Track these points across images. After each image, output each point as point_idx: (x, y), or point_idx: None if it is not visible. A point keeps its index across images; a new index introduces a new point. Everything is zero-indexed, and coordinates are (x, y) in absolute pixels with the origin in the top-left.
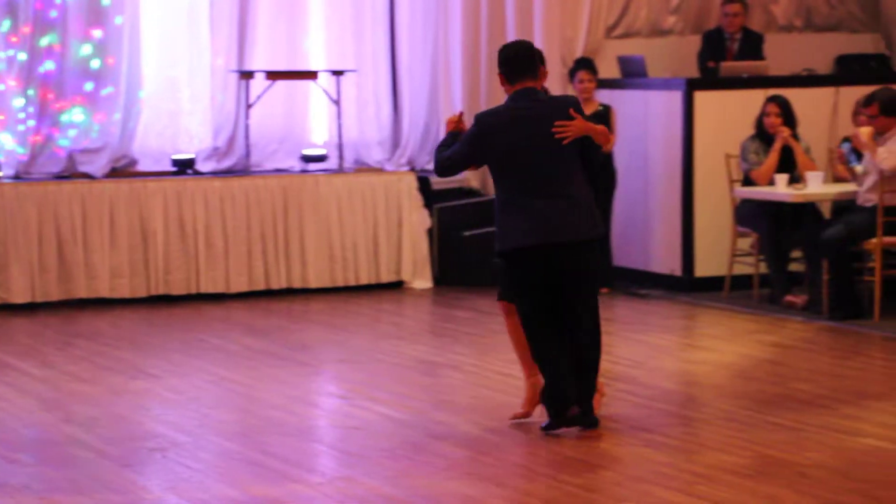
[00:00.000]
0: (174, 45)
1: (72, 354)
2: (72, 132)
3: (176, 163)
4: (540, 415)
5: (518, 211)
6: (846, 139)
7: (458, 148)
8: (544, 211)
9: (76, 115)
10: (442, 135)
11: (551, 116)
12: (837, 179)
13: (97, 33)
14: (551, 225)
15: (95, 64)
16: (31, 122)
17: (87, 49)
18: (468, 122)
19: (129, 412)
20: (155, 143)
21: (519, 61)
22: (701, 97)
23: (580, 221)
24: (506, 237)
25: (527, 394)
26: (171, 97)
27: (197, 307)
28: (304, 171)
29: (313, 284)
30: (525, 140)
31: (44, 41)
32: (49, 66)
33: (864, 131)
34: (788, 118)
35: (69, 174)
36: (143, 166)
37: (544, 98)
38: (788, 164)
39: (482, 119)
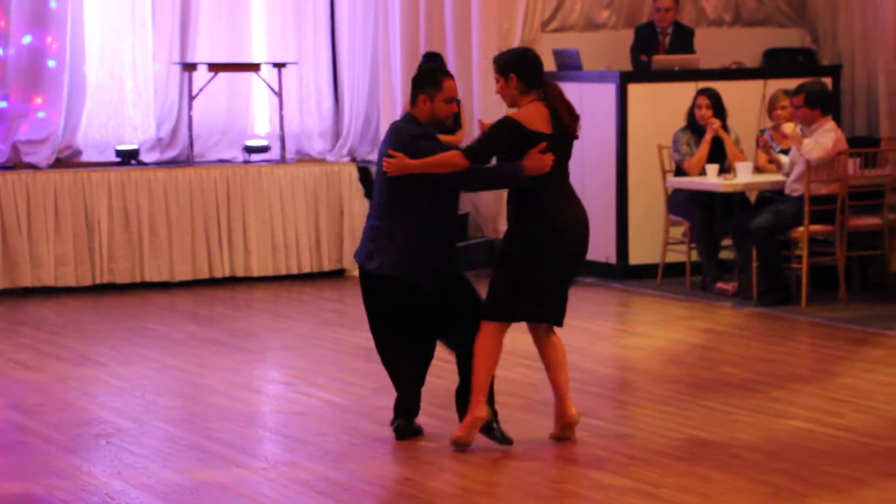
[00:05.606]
0: (117, 37)
1: (17, 342)
2: (16, 123)
3: (120, 153)
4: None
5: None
6: (764, 130)
7: None
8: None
9: (20, 106)
10: (382, 125)
11: (387, 141)
12: (759, 170)
13: (40, 20)
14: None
15: (39, 56)
16: None
17: (30, 41)
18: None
19: (74, 399)
20: (99, 135)
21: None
22: (634, 90)
23: (376, 251)
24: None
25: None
26: (115, 89)
27: (141, 295)
28: (246, 162)
29: (256, 273)
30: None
31: None
32: None
33: (788, 126)
34: (718, 110)
35: (13, 164)
36: (87, 157)
37: (396, 123)
38: (719, 155)
39: None
